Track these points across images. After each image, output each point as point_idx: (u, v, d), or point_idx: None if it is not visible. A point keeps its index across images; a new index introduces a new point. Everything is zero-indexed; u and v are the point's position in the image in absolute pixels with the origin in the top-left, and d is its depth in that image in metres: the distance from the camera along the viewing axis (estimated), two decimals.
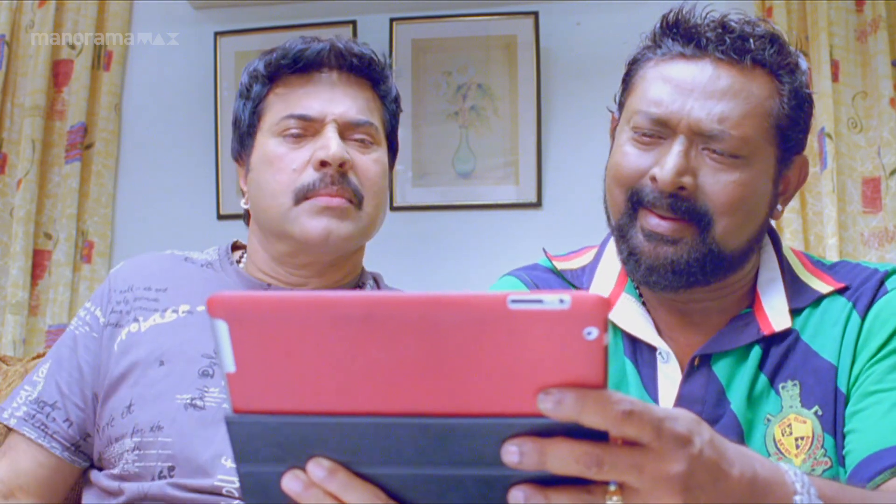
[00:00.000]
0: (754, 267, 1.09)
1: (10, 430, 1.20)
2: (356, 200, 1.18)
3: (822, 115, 2.25)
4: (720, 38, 1.01)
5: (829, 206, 2.22)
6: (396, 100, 1.28)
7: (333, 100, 1.19)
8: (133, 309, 1.21)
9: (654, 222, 1.01)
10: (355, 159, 1.18)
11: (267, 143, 1.19)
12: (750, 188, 1.00)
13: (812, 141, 2.31)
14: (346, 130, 1.19)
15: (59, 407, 1.18)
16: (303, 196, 1.16)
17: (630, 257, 1.03)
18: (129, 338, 1.18)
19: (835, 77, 2.28)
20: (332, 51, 1.20)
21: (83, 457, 1.19)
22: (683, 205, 0.99)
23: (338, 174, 1.16)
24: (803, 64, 1.05)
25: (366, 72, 1.23)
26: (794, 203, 2.26)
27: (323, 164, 1.15)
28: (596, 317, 0.53)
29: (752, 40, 1.01)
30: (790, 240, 2.24)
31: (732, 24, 1.02)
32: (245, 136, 1.24)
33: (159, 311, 1.20)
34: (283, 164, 1.17)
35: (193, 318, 1.19)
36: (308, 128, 1.18)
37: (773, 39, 1.03)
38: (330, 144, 1.16)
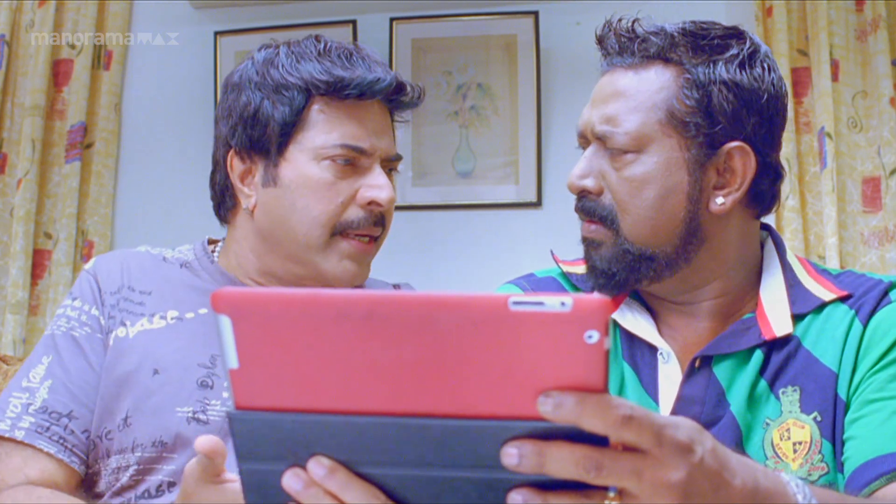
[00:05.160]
0: (750, 269, 1.09)
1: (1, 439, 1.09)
2: (377, 235, 1.19)
3: (822, 115, 2.25)
4: (622, 45, 1.05)
5: (829, 206, 2.22)
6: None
7: (377, 132, 1.16)
8: (120, 311, 1.15)
9: (582, 227, 1.08)
10: None
11: (308, 165, 1.13)
12: (648, 182, 1.02)
13: (812, 140, 2.31)
14: (385, 164, 1.18)
15: (75, 416, 1.10)
16: (340, 231, 1.14)
17: (587, 267, 1.10)
18: (116, 343, 1.13)
19: (835, 77, 2.28)
20: (397, 84, 1.17)
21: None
22: (590, 206, 1.05)
23: (380, 214, 1.16)
24: (734, 49, 1.02)
25: (399, 105, 1.21)
26: (793, 203, 2.26)
27: (371, 203, 1.14)
28: (597, 320, 0.53)
29: (652, 37, 1.03)
30: (790, 239, 2.24)
31: (639, 28, 1.05)
32: (271, 141, 1.14)
33: (146, 316, 1.15)
34: (329, 193, 1.13)
35: (183, 324, 1.15)
36: (357, 159, 1.15)
37: (686, 32, 1.03)
38: (383, 185, 1.14)
